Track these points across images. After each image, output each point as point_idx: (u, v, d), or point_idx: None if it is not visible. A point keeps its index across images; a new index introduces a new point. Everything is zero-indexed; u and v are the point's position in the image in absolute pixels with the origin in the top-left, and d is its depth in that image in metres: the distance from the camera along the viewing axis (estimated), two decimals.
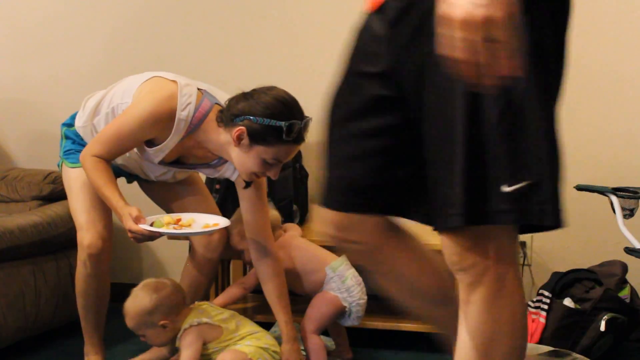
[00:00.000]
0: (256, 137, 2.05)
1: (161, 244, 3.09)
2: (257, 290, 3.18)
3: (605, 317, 2.41)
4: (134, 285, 2.37)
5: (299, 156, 2.88)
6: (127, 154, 2.23)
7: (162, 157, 2.20)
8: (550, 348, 2.21)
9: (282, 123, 2.04)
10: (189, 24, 3.16)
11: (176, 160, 2.28)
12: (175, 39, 3.18)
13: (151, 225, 2.07)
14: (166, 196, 2.47)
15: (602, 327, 2.40)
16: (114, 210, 2.10)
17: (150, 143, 2.18)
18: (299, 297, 2.57)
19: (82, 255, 2.26)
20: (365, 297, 2.40)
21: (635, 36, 2.75)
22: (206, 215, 2.26)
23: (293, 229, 2.57)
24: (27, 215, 2.69)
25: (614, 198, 2.09)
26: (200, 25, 3.15)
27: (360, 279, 2.40)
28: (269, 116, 2.04)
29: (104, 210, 2.26)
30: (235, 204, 2.80)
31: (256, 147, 2.06)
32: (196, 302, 2.35)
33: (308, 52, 3.06)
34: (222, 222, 2.18)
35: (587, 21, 2.79)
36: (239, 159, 2.11)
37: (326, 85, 3.03)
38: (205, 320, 2.24)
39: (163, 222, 2.11)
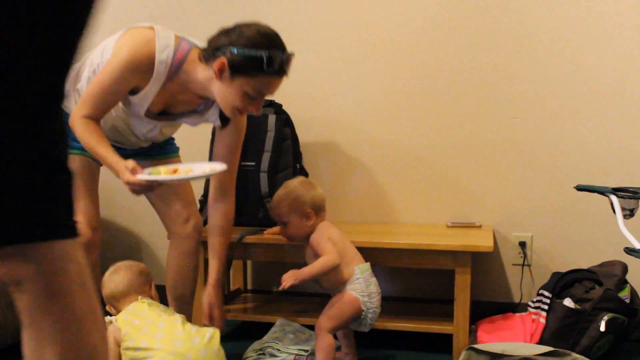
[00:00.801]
0: (237, 68, 2.04)
1: (161, 244, 3.09)
2: (257, 291, 3.19)
3: (605, 317, 2.41)
4: None
5: (299, 156, 2.88)
6: (114, 113, 2.20)
7: (147, 104, 2.17)
8: (550, 348, 2.21)
9: (263, 53, 2.03)
10: (189, 24, 3.16)
11: (163, 112, 2.26)
12: None
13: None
14: None
15: (602, 327, 2.40)
16: (110, 167, 2.06)
17: (135, 93, 2.16)
18: (311, 297, 2.56)
19: None
20: (380, 309, 2.40)
21: (636, 37, 2.75)
22: (202, 163, 2.23)
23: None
24: None
25: (614, 198, 2.09)
26: (200, 25, 3.16)
27: (380, 289, 2.41)
28: (250, 47, 2.03)
29: (94, 200, 2.28)
30: (236, 204, 2.81)
31: (237, 79, 2.05)
32: (140, 298, 2.23)
33: (307, 53, 3.06)
34: (219, 167, 2.12)
35: (587, 21, 2.79)
36: (221, 93, 2.10)
37: (326, 84, 3.00)
38: (112, 318, 2.17)
39: (160, 172, 2.08)
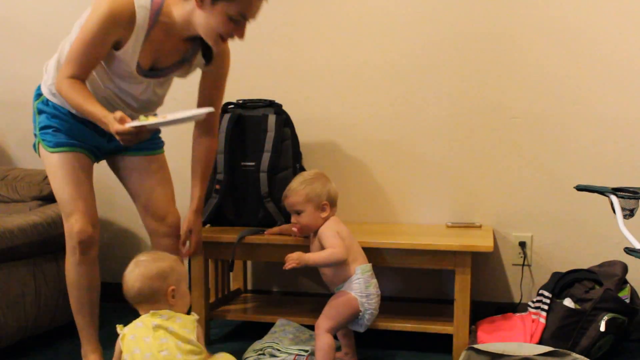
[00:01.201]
0: None
1: None
2: (257, 291, 3.19)
3: (605, 317, 2.41)
4: None
5: (299, 156, 2.88)
6: (103, 85, 2.19)
7: (136, 58, 2.16)
8: (550, 348, 2.21)
9: None
10: None
11: (152, 69, 2.24)
12: None
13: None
14: (136, 180, 2.43)
15: (602, 327, 2.40)
16: (99, 121, 2.05)
17: (120, 49, 2.14)
18: (311, 297, 2.55)
19: (71, 242, 2.24)
20: (378, 311, 2.41)
21: (636, 37, 2.75)
22: (188, 110, 2.19)
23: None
24: (27, 215, 2.69)
25: (614, 198, 2.08)
26: None
27: (379, 291, 2.41)
28: None
29: (92, 197, 2.27)
30: (236, 205, 2.81)
31: (219, 3, 2.06)
32: (151, 312, 2.00)
33: (307, 53, 3.06)
34: (205, 109, 2.11)
35: (587, 21, 2.79)
36: (204, 22, 2.09)
37: (326, 84, 2.99)
38: (120, 332, 2.01)
39: (148, 119, 2.06)
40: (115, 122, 1.98)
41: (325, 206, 2.41)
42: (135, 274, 2.01)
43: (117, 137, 1.99)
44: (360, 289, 2.35)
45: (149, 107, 2.36)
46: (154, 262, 2.03)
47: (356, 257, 2.39)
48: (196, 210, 2.41)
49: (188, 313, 2.05)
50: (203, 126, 2.39)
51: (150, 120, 1.99)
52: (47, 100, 2.27)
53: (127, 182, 2.43)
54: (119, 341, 1.99)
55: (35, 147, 2.33)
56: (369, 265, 2.40)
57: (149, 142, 2.41)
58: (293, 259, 2.31)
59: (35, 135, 2.31)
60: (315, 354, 2.31)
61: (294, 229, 2.48)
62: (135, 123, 1.97)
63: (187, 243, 2.42)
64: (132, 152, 2.38)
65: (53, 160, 2.24)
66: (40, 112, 2.29)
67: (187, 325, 1.98)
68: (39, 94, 2.31)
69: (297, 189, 2.42)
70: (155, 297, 2.00)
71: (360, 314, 2.35)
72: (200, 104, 2.34)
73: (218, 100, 2.38)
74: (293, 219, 2.45)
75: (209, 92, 2.34)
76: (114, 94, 2.24)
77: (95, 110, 2.05)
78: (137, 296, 2.01)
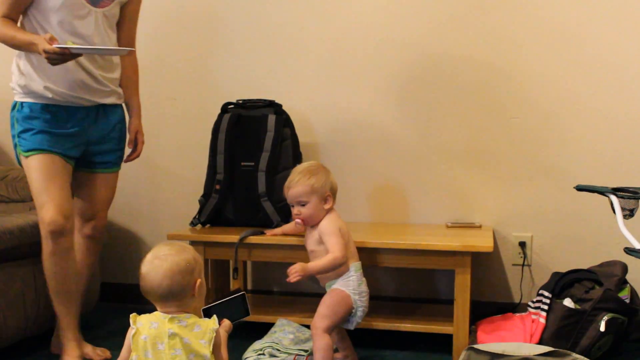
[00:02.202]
0: None
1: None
2: (257, 291, 3.19)
3: (605, 317, 2.41)
4: (132, 285, 2.37)
5: (298, 157, 2.88)
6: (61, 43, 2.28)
7: None
8: (550, 348, 2.20)
9: None
10: (190, 22, 3.16)
11: None
12: (176, 39, 3.18)
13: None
14: (82, 188, 2.56)
15: (602, 327, 2.40)
16: (31, 45, 2.22)
17: None
18: (311, 297, 2.55)
19: (43, 232, 2.34)
20: (368, 309, 2.41)
21: (637, 38, 2.75)
22: (113, 47, 2.46)
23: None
24: (27, 215, 2.69)
25: (614, 198, 2.08)
26: (202, 24, 3.16)
27: (369, 289, 2.41)
28: None
29: (65, 190, 2.37)
30: (236, 205, 2.81)
31: None
32: (170, 317, 1.84)
33: (307, 53, 3.06)
34: (127, 49, 2.37)
35: (587, 21, 2.79)
36: None
37: (327, 85, 2.99)
38: (133, 326, 1.86)
39: (74, 44, 2.25)
40: (45, 42, 2.16)
41: (328, 197, 2.40)
42: (164, 270, 1.82)
43: (44, 56, 2.16)
44: (354, 286, 2.35)
45: (110, 62, 2.48)
46: (180, 255, 1.86)
47: (352, 255, 2.39)
48: (138, 115, 2.63)
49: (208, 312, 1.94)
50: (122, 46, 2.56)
51: (75, 46, 2.20)
52: (21, 104, 2.39)
53: (75, 188, 2.55)
54: (129, 335, 1.84)
55: (17, 159, 2.45)
56: (360, 263, 2.40)
57: (105, 159, 2.55)
58: (297, 271, 2.29)
59: (15, 145, 2.43)
60: (314, 355, 2.30)
61: (298, 221, 2.43)
62: (61, 45, 2.17)
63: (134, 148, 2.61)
64: (89, 168, 2.53)
65: (29, 162, 2.38)
66: (17, 120, 2.40)
67: (205, 336, 1.83)
68: (14, 105, 2.42)
69: (302, 180, 2.38)
70: (184, 292, 1.84)
71: (353, 311, 2.35)
72: (120, 38, 2.54)
73: (133, 31, 2.61)
74: (295, 210, 2.41)
75: (127, 26, 2.56)
76: (75, 61, 2.34)
77: (26, 36, 2.25)
78: (167, 294, 1.83)
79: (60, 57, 2.17)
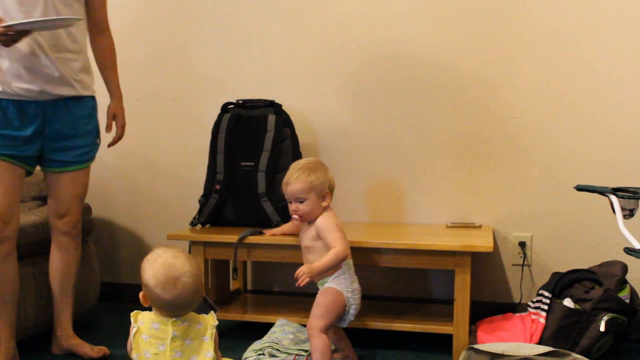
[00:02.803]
0: None
1: (161, 244, 3.09)
2: (257, 291, 3.19)
3: (605, 317, 2.41)
4: (132, 285, 2.37)
5: (298, 157, 2.88)
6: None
7: None
8: (550, 348, 2.20)
9: None
10: (190, 22, 3.16)
11: None
12: (175, 37, 3.18)
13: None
14: (54, 185, 2.49)
15: (602, 327, 2.40)
16: None
17: None
18: (311, 297, 2.53)
19: None
20: (359, 307, 2.41)
21: (636, 37, 2.75)
22: (60, 18, 2.29)
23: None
24: (27, 215, 2.69)
25: (614, 198, 2.08)
26: (202, 25, 3.16)
27: (360, 288, 2.41)
28: None
29: (8, 193, 2.29)
30: (235, 205, 2.81)
31: None
32: (173, 320, 1.82)
33: (307, 53, 3.06)
34: (74, 17, 2.28)
35: (587, 21, 2.79)
36: None
37: (327, 85, 2.99)
38: (134, 324, 1.84)
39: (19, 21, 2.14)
40: None
41: (326, 195, 2.40)
42: (191, 286, 1.77)
43: None
44: (347, 284, 2.35)
45: (61, 43, 2.32)
46: (193, 266, 1.81)
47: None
48: (119, 99, 2.56)
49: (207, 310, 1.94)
50: (95, 28, 2.50)
51: (20, 21, 2.11)
52: None
53: (47, 187, 2.53)
54: (131, 336, 1.83)
55: None
56: (352, 261, 2.40)
57: (76, 161, 2.46)
58: (304, 273, 2.28)
59: None
60: (312, 355, 2.30)
61: (296, 217, 2.43)
62: (8, 22, 2.07)
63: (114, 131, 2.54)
64: (61, 168, 2.44)
65: None
66: None
67: (207, 332, 1.83)
68: None
69: (301, 177, 2.38)
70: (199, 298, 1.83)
71: (346, 309, 2.35)
72: (89, 12, 2.45)
73: (104, 10, 2.52)
74: (293, 206, 2.41)
75: (98, 4, 2.47)
76: (30, 39, 2.22)
77: None
78: (191, 303, 1.80)
79: (7, 37, 2.06)
